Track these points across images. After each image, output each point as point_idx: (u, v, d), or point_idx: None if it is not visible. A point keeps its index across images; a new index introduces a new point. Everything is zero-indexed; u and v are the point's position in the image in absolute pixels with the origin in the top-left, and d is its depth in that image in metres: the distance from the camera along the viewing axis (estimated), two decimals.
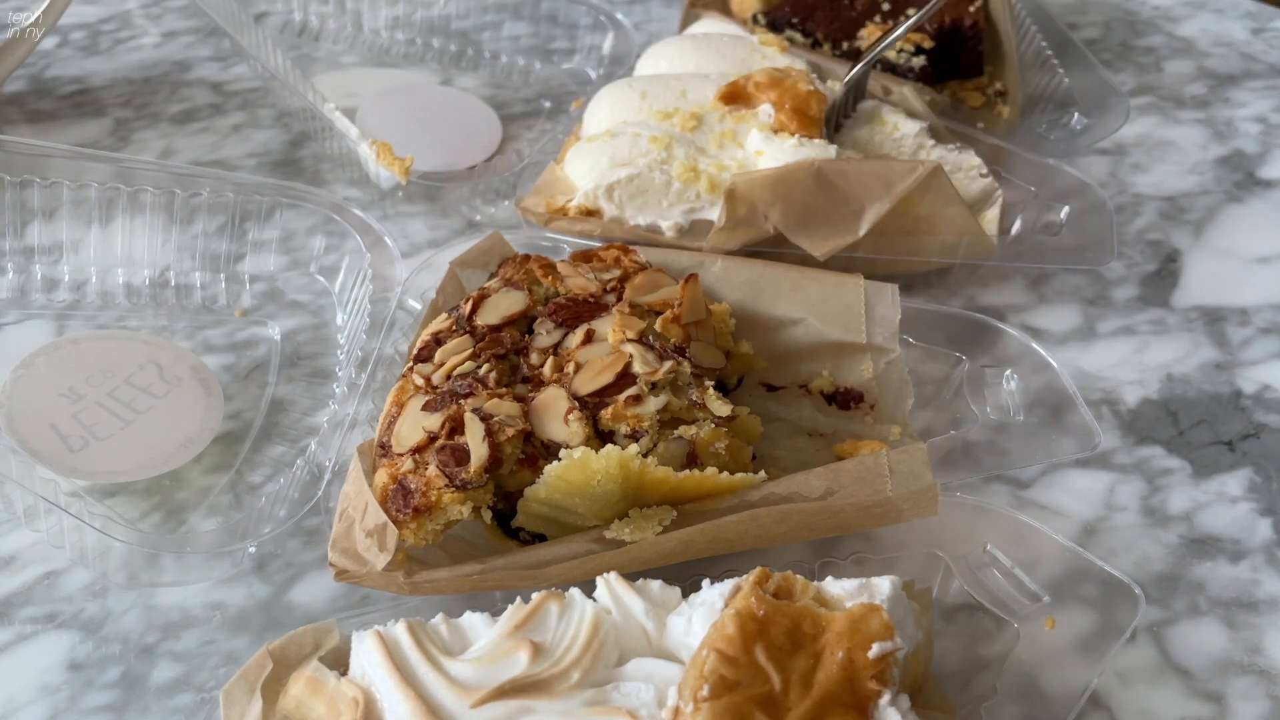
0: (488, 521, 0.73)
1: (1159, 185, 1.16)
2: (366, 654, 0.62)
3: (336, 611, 0.77)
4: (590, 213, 0.99)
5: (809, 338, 0.87)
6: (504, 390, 0.75)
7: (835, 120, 1.05)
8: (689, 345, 0.79)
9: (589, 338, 0.79)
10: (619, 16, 1.29)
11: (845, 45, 1.18)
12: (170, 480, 0.85)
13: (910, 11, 1.19)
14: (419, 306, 0.90)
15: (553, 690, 0.59)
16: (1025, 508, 0.84)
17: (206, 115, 1.24)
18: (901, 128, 1.03)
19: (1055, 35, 1.25)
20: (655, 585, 0.65)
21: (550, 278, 0.85)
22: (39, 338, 0.96)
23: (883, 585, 0.61)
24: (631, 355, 0.76)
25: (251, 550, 0.79)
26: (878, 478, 0.71)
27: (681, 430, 0.75)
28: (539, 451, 0.74)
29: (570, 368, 0.77)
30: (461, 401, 0.74)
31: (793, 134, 0.99)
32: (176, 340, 0.96)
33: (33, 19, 1.17)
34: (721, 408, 0.76)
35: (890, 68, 1.16)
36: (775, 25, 1.21)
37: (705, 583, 0.64)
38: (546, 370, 0.78)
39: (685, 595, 0.65)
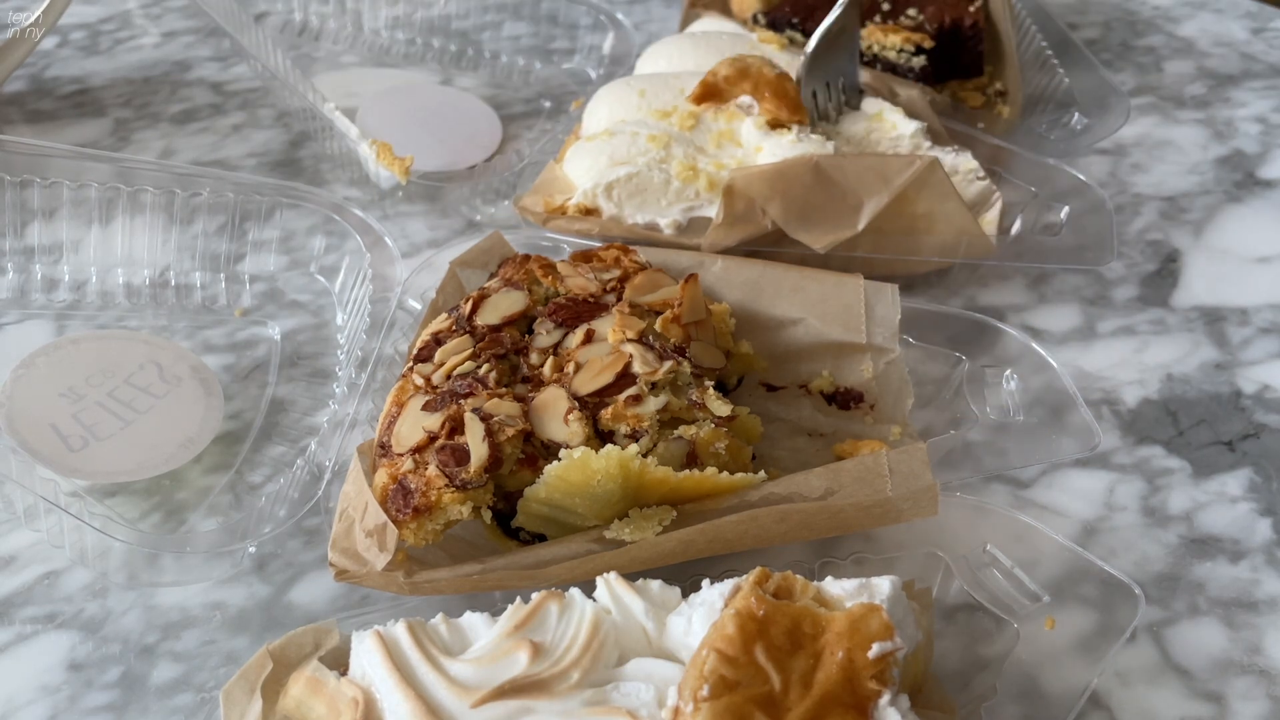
0: (488, 521, 0.73)
1: (1159, 185, 1.16)
2: (366, 654, 0.62)
3: (336, 611, 0.77)
4: (589, 211, 0.99)
5: (809, 338, 0.87)
6: (504, 390, 0.75)
7: (827, 111, 1.05)
8: (689, 345, 0.79)
9: (589, 338, 0.79)
10: (619, 16, 1.29)
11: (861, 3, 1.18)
12: (170, 480, 0.85)
13: (911, 11, 1.19)
14: (419, 306, 0.90)
15: (553, 690, 0.59)
16: (1025, 508, 0.84)
17: (206, 115, 1.24)
18: (900, 127, 1.03)
19: (1055, 35, 1.25)
20: (655, 585, 0.65)
21: (550, 278, 0.85)
22: (39, 338, 0.96)
23: (883, 585, 0.61)
24: (631, 355, 0.76)
25: (251, 550, 0.79)
26: (878, 478, 0.71)
27: (681, 430, 0.75)
28: (539, 451, 0.74)
29: (570, 368, 0.77)
30: (461, 401, 0.74)
31: (783, 121, 0.99)
32: (176, 340, 0.96)
33: (33, 19, 1.17)
34: (721, 408, 0.76)
35: (891, 68, 1.16)
36: (775, 25, 1.21)
37: (705, 583, 0.64)
38: (546, 370, 0.78)
39: (685, 595, 0.65)
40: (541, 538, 0.75)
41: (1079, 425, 0.83)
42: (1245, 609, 0.78)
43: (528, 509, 0.73)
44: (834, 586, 0.61)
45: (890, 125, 1.04)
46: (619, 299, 0.83)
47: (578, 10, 1.31)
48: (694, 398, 0.76)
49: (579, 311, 0.82)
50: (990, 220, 1.00)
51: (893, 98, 1.08)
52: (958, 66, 1.20)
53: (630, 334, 0.78)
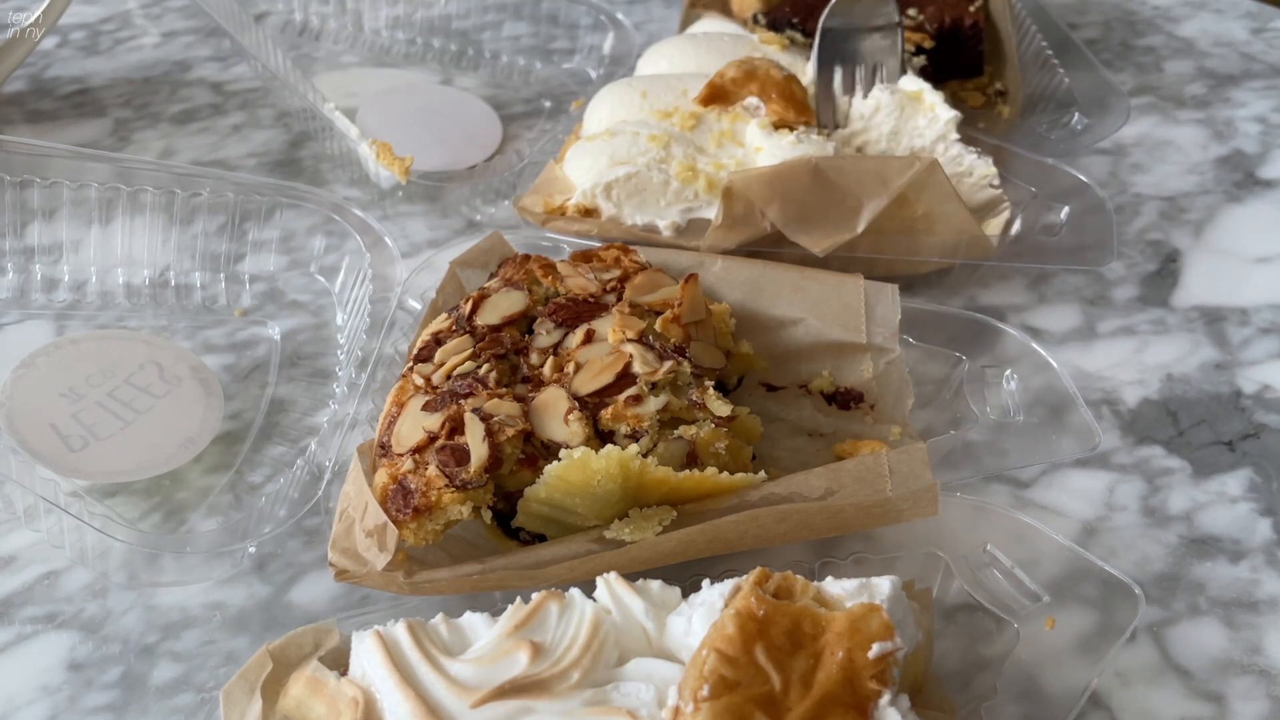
0: (488, 521, 0.73)
1: (1159, 185, 1.16)
2: (366, 654, 0.62)
3: (336, 611, 0.77)
4: (588, 212, 0.99)
5: (809, 338, 0.87)
6: (504, 390, 0.75)
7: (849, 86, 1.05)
8: (689, 345, 0.79)
9: (589, 338, 0.79)
10: (619, 16, 1.29)
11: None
12: (170, 480, 0.85)
13: (911, 12, 1.19)
14: (419, 306, 0.90)
15: (553, 690, 0.59)
16: (1025, 508, 0.84)
17: (206, 115, 1.24)
18: (938, 110, 1.01)
19: (1055, 35, 1.25)
20: (655, 585, 0.65)
21: (550, 278, 0.85)
22: (39, 338, 0.96)
23: (883, 585, 0.61)
24: (631, 355, 0.76)
25: (251, 550, 0.79)
26: (878, 478, 0.71)
27: (681, 430, 0.75)
28: (539, 451, 0.74)
29: (570, 368, 0.77)
30: (461, 401, 0.74)
31: (790, 123, 0.99)
32: (176, 340, 0.96)
33: (33, 19, 1.17)
34: (721, 408, 0.76)
35: None
36: (775, 25, 1.21)
37: (705, 583, 0.64)
38: (546, 370, 0.78)
39: (685, 595, 0.65)
40: (541, 538, 0.75)
41: (1079, 425, 0.83)
42: (1245, 609, 0.78)
43: (528, 509, 0.73)
44: (834, 586, 0.61)
45: (928, 107, 1.02)
46: (619, 299, 0.83)
47: (578, 10, 1.31)
48: (694, 398, 0.76)
49: (579, 311, 0.82)
50: (995, 225, 0.99)
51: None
52: (958, 66, 1.20)
53: (630, 334, 0.78)
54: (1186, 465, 0.88)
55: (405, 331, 0.89)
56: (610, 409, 0.74)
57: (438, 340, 0.81)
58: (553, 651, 0.61)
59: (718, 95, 1.03)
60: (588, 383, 0.76)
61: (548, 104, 1.26)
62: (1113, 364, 0.96)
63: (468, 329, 0.81)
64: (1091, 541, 0.82)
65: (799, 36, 1.20)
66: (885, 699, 0.56)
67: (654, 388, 0.75)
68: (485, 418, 0.73)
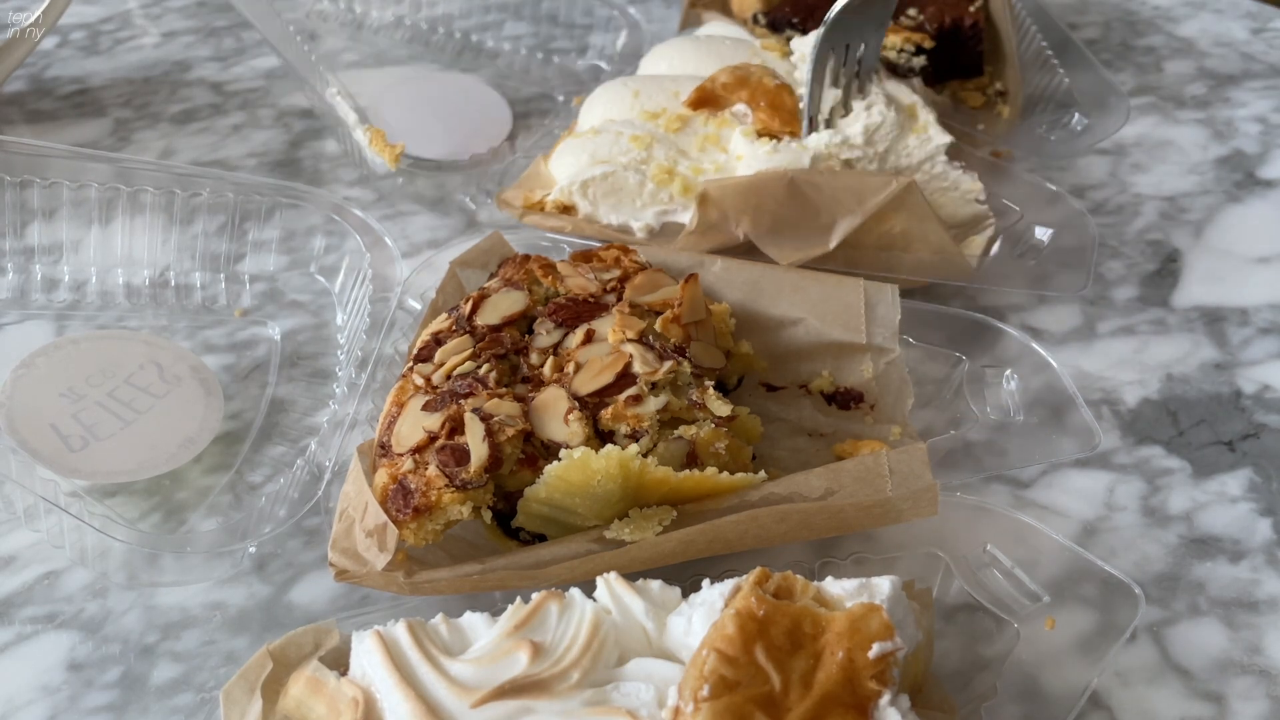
0: (488, 521, 0.73)
1: (1159, 185, 1.16)
2: (366, 654, 0.62)
3: (336, 611, 0.77)
4: (566, 209, 1.00)
5: (809, 338, 0.87)
6: (504, 390, 0.75)
7: (837, 75, 1.03)
8: (689, 345, 0.79)
9: (589, 338, 0.79)
10: (631, 12, 1.29)
11: None
12: (170, 480, 0.85)
13: (911, 12, 1.19)
14: (419, 306, 0.90)
15: (553, 690, 0.59)
16: (1025, 508, 0.84)
17: (206, 115, 1.24)
18: (930, 131, 1.00)
19: (1055, 35, 1.25)
20: (655, 585, 0.65)
21: (550, 278, 0.85)
22: (39, 338, 0.96)
23: (883, 585, 0.61)
24: (631, 355, 0.76)
25: (251, 550, 0.79)
26: (878, 478, 0.71)
27: (681, 430, 0.75)
28: (539, 451, 0.74)
29: (570, 368, 0.77)
30: (461, 401, 0.74)
31: (775, 132, 0.98)
32: (176, 340, 0.96)
33: (33, 19, 1.17)
34: (721, 408, 0.76)
35: (891, 68, 1.16)
36: (775, 25, 1.21)
37: (705, 583, 0.64)
38: (546, 370, 0.78)
39: (685, 595, 0.65)
40: (541, 538, 0.75)
41: (1079, 425, 0.83)
42: (1245, 609, 0.78)
43: (528, 509, 0.73)
44: (834, 586, 0.61)
45: (921, 127, 1.01)
46: (619, 299, 0.83)
47: (593, 5, 1.32)
48: (694, 398, 0.76)
49: (579, 311, 0.82)
50: (977, 242, 0.99)
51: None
52: (958, 66, 1.20)
53: (630, 334, 0.78)
54: (1186, 465, 0.88)
55: (405, 331, 0.89)
56: (610, 409, 0.74)
57: (438, 340, 0.81)
58: (553, 651, 0.61)
59: (707, 100, 1.02)
60: (588, 383, 0.76)
61: (560, 98, 1.26)
62: (1113, 364, 0.96)
63: (468, 329, 0.81)
64: (1091, 541, 0.82)
65: (799, 37, 1.20)
66: (885, 699, 0.56)
67: (654, 388, 0.75)
68: (485, 418, 0.73)
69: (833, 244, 0.93)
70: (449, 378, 0.77)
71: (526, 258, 0.87)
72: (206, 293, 1.00)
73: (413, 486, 0.71)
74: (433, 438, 0.73)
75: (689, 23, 1.28)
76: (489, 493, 0.72)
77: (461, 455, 0.71)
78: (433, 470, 0.71)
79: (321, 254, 1.02)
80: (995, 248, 0.99)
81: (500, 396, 0.75)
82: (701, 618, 0.61)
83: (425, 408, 0.75)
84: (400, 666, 0.61)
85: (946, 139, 1.00)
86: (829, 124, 1.00)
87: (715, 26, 1.22)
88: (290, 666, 0.65)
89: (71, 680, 0.73)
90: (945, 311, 0.90)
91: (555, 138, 1.10)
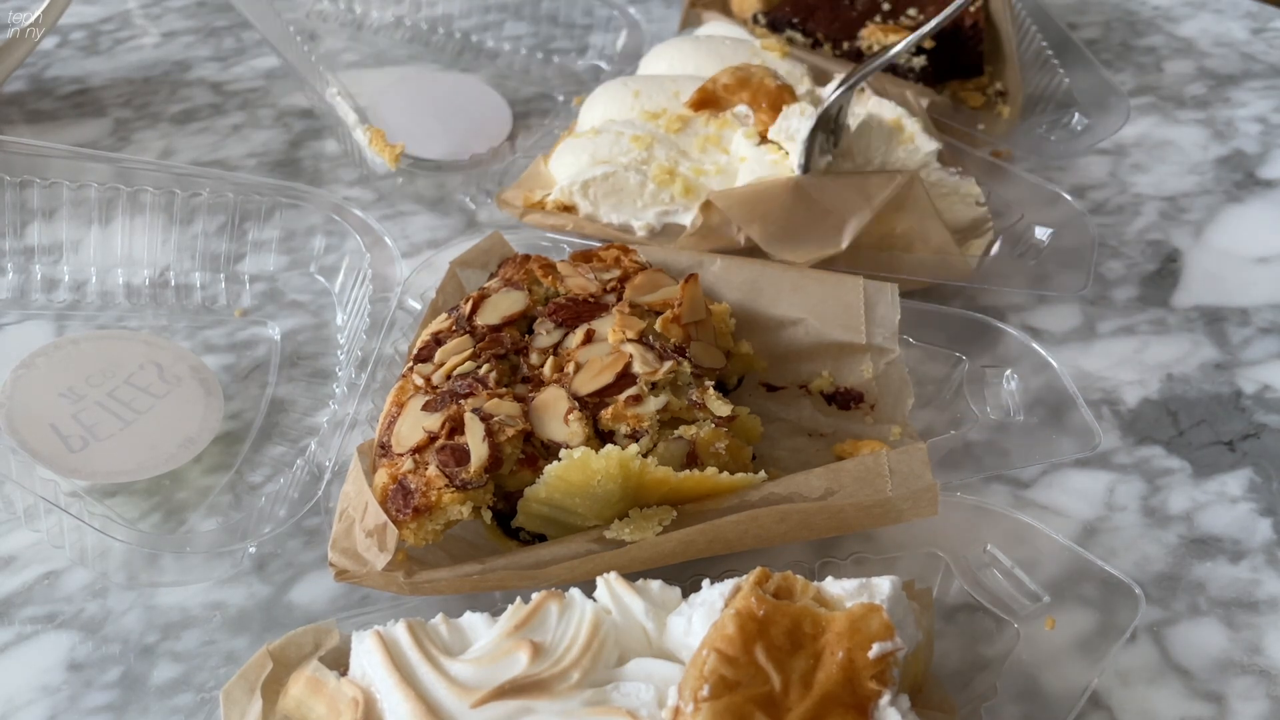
0: (488, 521, 0.73)
1: (1159, 185, 1.16)
2: (366, 654, 0.62)
3: (336, 611, 0.77)
4: (567, 208, 1.00)
5: (809, 338, 0.87)
6: (504, 390, 0.75)
7: (832, 126, 1.03)
8: (689, 345, 0.79)
9: (589, 338, 0.79)
10: (631, 12, 1.29)
11: (845, 45, 1.18)
12: (170, 480, 0.85)
13: (911, 12, 1.19)
14: (419, 306, 0.90)
15: (553, 690, 0.59)
16: (1025, 508, 0.84)
17: (206, 115, 1.24)
18: (918, 142, 1.00)
19: (1055, 35, 1.25)
20: (655, 585, 0.65)
21: (550, 278, 0.85)
22: (39, 338, 0.96)
23: (883, 585, 0.61)
24: (631, 355, 0.76)
25: (251, 550, 0.79)
26: (878, 478, 0.71)
27: (681, 430, 0.75)
28: (539, 451, 0.74)
29: (570, 368, 0.77)
30: (461, 401, 0.74)
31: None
32: (176, 340, 0.96)
33: (33, 19, 1.17)
34: (721, 408, 0.76)
35: (890, 68, 1.16)
36: (775, 25, 1.21)
37: (705, 583, 0.64)
38: (546, 370, 0.78)
39: (685, 595, 0.65)
40: (541, 538, 0.75)
41: (1079, 425, 0.83)
42: (1245, 609, 0.78)
43: (528, 509, 0.73)
44: (834, 586, 0.61)
45: (908, 137, 1.01)
46: (619, 299, 0.83)
47: (593, 5, 1.32)
48: (694, 398, 0.76)
49: (579, 311, 0.82)
50: (978, 245, 0.99)
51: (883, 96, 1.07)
52: (958, 66, 1.20)
53: (630, 334, 0.78)
54: (1186, 465, 0.88)
55: (405, 331, 0.89)
56: (610, 409, 0.74)
57: (438, 340, 0.81)
58: (553, 651, 0.61)
59: (709, 101, 1.02)
60: (588, 383, 0.76)
61: (560, 98, 1.26)
62: (1113, 364, 0.96)
63: (468, 329, 0.81)
64: (1091, 541, 0.82)
65: (799, 37, 1.20)
66: (885, 699, 0.56)
67: (654, 388, 0.75)
68: (485, 418, 0.73)
69: (845, 243, 0.93)
70: (449, 378, 0.77)
71: (526, 258, 0.87)
72: (206, 293, 1.00)
73: (413, 486, 0.71)
74: (433, 438, 0.73)
75: (689, 23, 1.28)
76: (489, 493, 0.72)
77: (461, 455, 0.71)
78: (433, 470, 0.71)
79: (321, 254, 1.02)
80: (995, 248, 1.00)
81: (500, 396, 0.75)
82: (701, 618, 0.61)
83: (425, 408, 0.75)
84: (400, 666, 0.61)
85: (934, 145, 1.00)
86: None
87: (715, 26, 1.22)
88: (290, 666, 0.65)
89: (71, 680, 0.73)
90: (945, 311, 0.90)
91: (555, 138, 1.10)
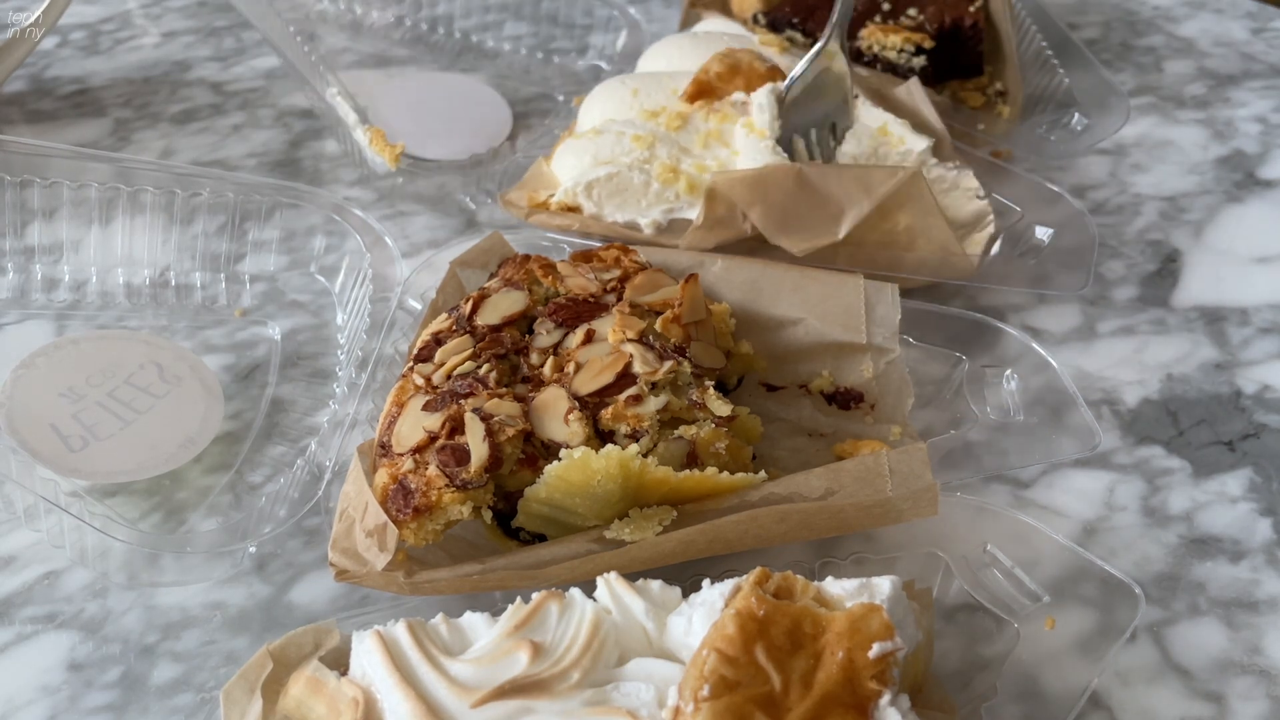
0: (488, 521, 0.73)
1: (1159, 185, 1.16)
2: (366, 654, 0.62)
3: (336, 611, 0.77)
4: (571, 209, 1.00)
5: (809, 338, 0.87)
6: (504, 390, 0.75)
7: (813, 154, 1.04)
8: (689, 345, 0.79)
9: (589, 338, 0.79)
10: (631, 12, 1.29)
11: (845, 45, 1.18)
12: (170, 480, 0.85)
13: (911, 11, 1.19)
14: (419, 306, 0.90)
15: (553, 690, 0.59)
16: (1025, 508, 0.84)
17: (206, 115, 1.24)
18: (908, 142, 1.01)
19: (1055, 35, 1.25)
20: (655, 585, 0.65)
21: (550, 278, 0.85)
22: (39, 338, 0.96)
23: (883, 585, 0.61)
24: (631, 355, 0.76)
25: (251, 550, 0.79)
26: (878, 478, 0.71)
27: (681, 430, 0.75)
28: (539, 451, 0.74)
29: (570, 368, 0.77)
30: (462, 401, 0.74)
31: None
32: (176, 340, 0.96)
33: (33, 19, 1.17)
34: (721, 408, 0.76)
35: (891, 68, 1.16)
36: (775, 25, 1.21)
37: (705, 583, 0.64)
38: (546, 370, 0.78)
39: (685, 595, 0.65)
40: (541, 538, 0.75)
41: (1079, 425, 0.83)
42: (1245, 609, 0.78)
43: (528, 509, 0.73)
44: (834, 586, 0.61)
45: (897, 140, 1.02)
46: (619, 299, 0.83)
47: (593, 5, 1.32)
48: (694, 398, 0.76)
49: (579, 311, 0.82)
50: (979, 240, 0.99)
51: (895, 105, 1.07)
52: (958, 66, 1.20)
53: (630, 334, 0.78)
54: (1186, 465, 0.88)
55: (405, 331, 0.89)
56: (610, 409, 0.74)
57: (438, 340, 0.81)
58: (553, 651, 0.61)
59: (703, 91, 1.03)
60: (588, 383, 0.76)
61: (560, 98, 1.26)
62: (1113, 364, 0.96)
63: (468, 329, 0.81)
64: (1091, 541, 0.82)
65: (799, 36, 1.20)
66: (885, 699, 0.56)
67: (654, 388, 0.75)
68: (485, 418, 0.73)
69: (842, 233, 0.93)
70: (449, 378, 0.77)
71: (526, 258, 0.87)
72: (206, 293, 1.00)
73: (413, 486, 0.71)
74: (433, 438, 0.73)
75: (689, 22, 1.28)
76: (489, 493, 0.72)
77: (462, 455, 0.71)
78: (433, 470, 0.71)
79: (321, 254, 1.02)
80: (996, 247, 1.00)
81: (500, 396, 0.75)
82: (701, 618, 0.61)
83: (425, 408, 0.75)
84: (400, 666, 0.61)
85: (925, 141, 1.01)
86: None
87: (710, 24, 1.22)
88: (290, 666, 0.65)
89: (71, 680, 0.73)
90: (945, 311, 0.90)
91: (555, 138, 1.10)
